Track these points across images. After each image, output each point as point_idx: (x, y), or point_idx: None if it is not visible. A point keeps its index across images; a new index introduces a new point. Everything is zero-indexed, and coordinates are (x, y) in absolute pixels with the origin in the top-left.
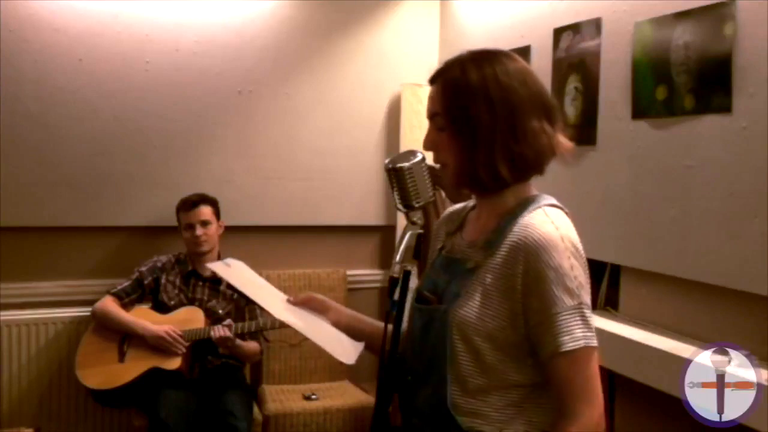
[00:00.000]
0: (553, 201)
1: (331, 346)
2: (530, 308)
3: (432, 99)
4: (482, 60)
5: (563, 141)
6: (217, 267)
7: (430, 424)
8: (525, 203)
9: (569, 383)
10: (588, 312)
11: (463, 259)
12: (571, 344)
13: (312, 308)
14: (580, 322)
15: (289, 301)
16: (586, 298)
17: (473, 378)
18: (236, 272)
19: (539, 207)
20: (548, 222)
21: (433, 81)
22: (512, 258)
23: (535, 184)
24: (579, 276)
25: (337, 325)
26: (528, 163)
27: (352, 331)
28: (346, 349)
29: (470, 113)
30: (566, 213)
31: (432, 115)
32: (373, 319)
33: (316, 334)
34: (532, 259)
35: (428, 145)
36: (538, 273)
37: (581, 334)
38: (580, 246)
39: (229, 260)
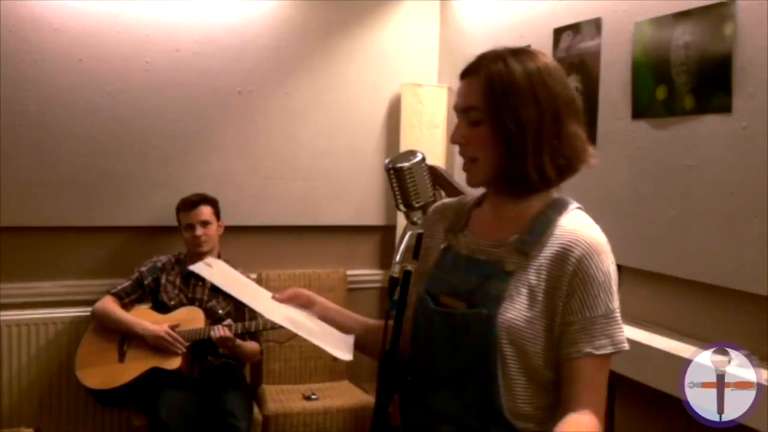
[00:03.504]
0: (578, 204)
1: (326, 343)
2: (569, 308)
3: (467, 92)
4: (524, 56)
5: (590, 148)
6: (198, 267)
7: (471, 431)
8: (555, 205)
9: (591, 384)
10: (620, 315)
11: (496, 261)
12: (608, 348)
13: (298, 303)
14: (617, 326)
15: (274, 297)
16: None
17: (521, 380)
18: (218, 272)
19: (572, 210)
20: (592, 226)
21: (468, 73)
22: (561, 259)
23: None
24: (616, 282)
25: (323, 318)
26: (570, 165)
27: (338, 326)
28: (341, 345)
29: (517, 111)
30: None
31: (466, 108)
32: (358, 315)
33: (309, 332)
34: (584, 261)
35: (459, 138)
36: (587, 275)
37: (617, 339)
38: None
39: (210, 260)
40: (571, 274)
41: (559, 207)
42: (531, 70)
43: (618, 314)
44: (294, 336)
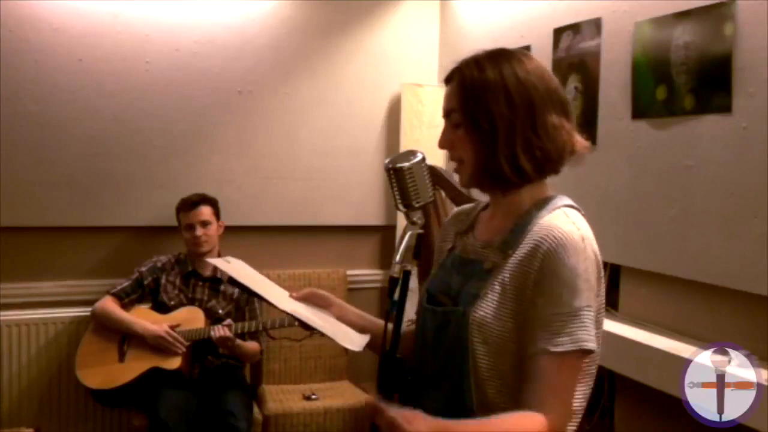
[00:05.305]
0: (570, 202)
1: (335, 334)
2: (534, 303)
3: (448, 96)
4: (499, 58)
5: (580, 139)
6: (217, 262)
7: None
8: (541, 204)
9: (551, 385)
10: (592, 315)
11: (480, 260)
12: (567, 346)
13: (315, 303)
14: (581, 324)
15: (291, 296)
16: (594, 301)
17: (494, 380)
18: (237, 267)
19: (558, 208)
20: (569, 222)
21: (449, 79)
22: (531, 256)
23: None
24: (591, 279)
25: (340, 320)
26: (550, 158)
27: (355, 328)
28: (351, 338)
29: (489, 107)
30: (582, 214)
31: (448, 113)
32: (376, 318)
33: (320, 324)
34: (550, 256)
35: (444, 143)
36: (552, 270)
37: (578, 337)
38: (597, 248)
39: (229, 258)
40: (537, 270)
41: (546, 205)
42: (503, 67)
43: (585, 313)
44: (309, 335)
